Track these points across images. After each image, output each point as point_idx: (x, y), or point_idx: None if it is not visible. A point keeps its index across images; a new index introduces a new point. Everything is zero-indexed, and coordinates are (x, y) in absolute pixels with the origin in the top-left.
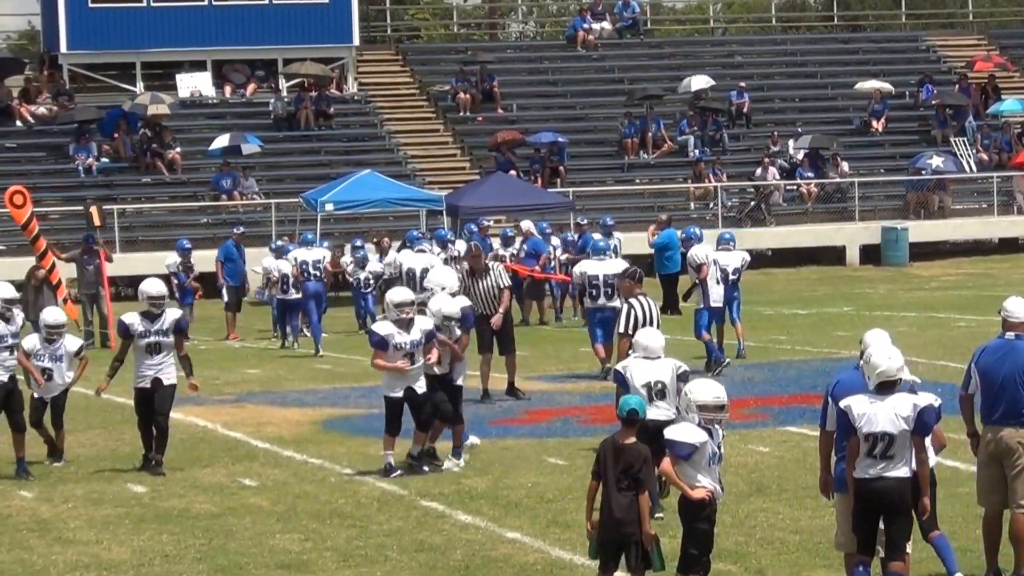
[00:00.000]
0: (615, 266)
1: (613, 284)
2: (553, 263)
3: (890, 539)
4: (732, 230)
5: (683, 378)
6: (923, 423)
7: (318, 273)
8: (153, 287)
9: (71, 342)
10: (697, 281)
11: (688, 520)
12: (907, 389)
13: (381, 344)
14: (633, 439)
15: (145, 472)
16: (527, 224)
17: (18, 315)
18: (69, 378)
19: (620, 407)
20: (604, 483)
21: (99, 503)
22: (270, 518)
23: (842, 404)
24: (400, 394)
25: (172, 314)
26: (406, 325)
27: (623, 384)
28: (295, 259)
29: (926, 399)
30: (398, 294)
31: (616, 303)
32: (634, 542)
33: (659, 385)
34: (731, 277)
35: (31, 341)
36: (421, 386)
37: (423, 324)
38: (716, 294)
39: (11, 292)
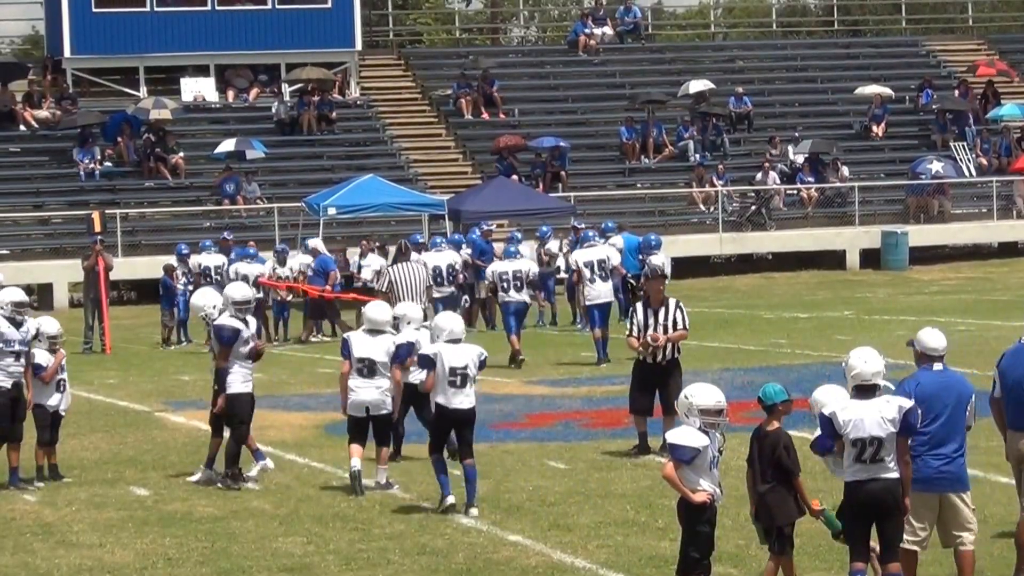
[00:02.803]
0: (524, 264)
1: (522, 279)
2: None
3: (885, 540)
4: (735, 234)
5: (482, 365)
6: (908, 424)
7: (219, 278)
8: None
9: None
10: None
11: (689, 523)
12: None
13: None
14: (777, 425)
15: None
16: (314, 242)
17: (30, 321)
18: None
19: (763, 397)
20: (751, 472)
21: (102, 506)
22: (272, 521)
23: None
24: None
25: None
26: None
27: (431, 366)
28: (199, 264)
29: (908, 401)
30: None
31: (524, 296)
32: (777, 527)
33: (463, 370)
34: None
35: (42, 356)
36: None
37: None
38: (594, 292)
39: (20, 296)
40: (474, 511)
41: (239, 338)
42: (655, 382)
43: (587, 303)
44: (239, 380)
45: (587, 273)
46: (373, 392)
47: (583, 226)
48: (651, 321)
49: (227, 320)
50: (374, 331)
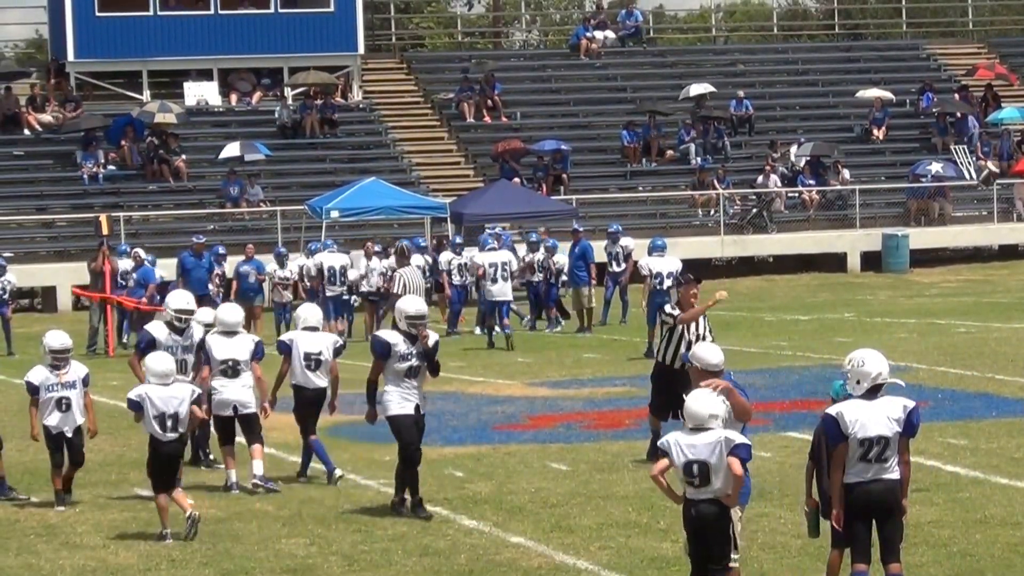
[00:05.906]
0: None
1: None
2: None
3: (886, 541)
4: (736, 236)
5: (338, 351)
6: (911, 424)
7: (124, 283)
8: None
9: (79, 368)
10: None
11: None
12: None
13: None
14: None
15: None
16: (138, 250)
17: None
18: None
19: (833, 390)
20: (813, 465)
21: (106, 508)
22: (276, 523)
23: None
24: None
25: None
26: None
27: (287, 351)
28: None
29: (911, 401)
30: None
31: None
32: None
33: (317, 355)
34: (666, 283)
35: (39, 373)
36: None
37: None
38: (495, 290)
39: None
40: (338, 472)
41: (392, 353)
42: (675, 386)
43: (488, 300)
44: (395, 401)
45: (490, 272)
46: (239, 391)
47: (581, 229)
48: (687, 332)
49: (385, 333)
50: (230, 332)
